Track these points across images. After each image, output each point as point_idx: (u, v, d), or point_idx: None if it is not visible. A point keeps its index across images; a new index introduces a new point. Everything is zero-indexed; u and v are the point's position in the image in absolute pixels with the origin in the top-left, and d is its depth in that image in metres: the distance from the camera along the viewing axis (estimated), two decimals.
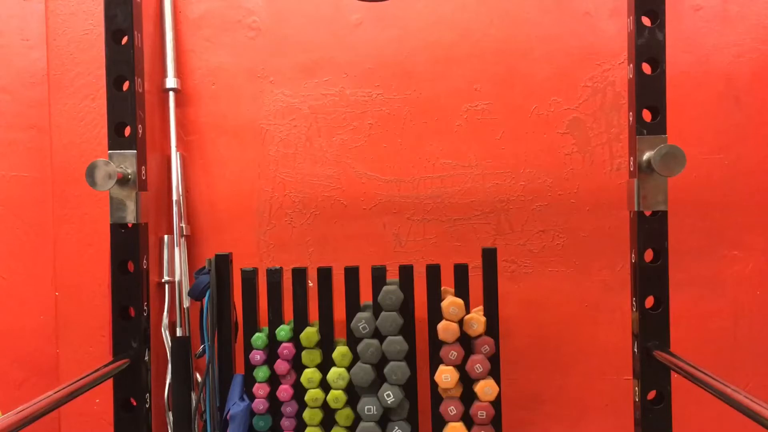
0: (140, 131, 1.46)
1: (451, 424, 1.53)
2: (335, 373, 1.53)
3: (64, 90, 1.85)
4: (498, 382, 1.53)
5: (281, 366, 1.54)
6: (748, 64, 1.81)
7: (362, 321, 1.52)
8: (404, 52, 1.85)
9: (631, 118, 1.45)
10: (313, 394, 1.53)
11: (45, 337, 1.88)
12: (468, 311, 1.55)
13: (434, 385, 1.55)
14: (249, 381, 1.57)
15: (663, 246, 1.42)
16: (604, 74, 1.82)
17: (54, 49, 1.85)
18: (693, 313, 1.80)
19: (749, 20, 1.81)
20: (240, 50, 1.86)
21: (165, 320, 1.81)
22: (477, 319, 1.52)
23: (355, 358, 1.53)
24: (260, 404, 1.55)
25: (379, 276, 1.56)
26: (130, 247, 1.45)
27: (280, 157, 1.87)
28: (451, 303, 1.52)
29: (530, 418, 1.84)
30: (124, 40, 1.44)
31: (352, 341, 1.54)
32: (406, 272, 1.57)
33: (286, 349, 1.54)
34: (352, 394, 1.54)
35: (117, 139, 1.44)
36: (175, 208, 1.83)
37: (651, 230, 1.42)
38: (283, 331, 1.55)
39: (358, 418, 1.53)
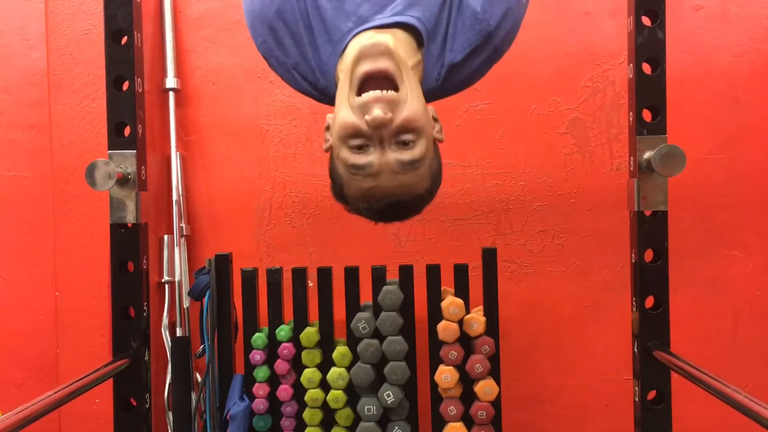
0: (140, 131, 1.45)
1: (451, 424, 1.53)
2: (335, 373, 1.53)
3: (64, 90, 1.85)
4: (498, 382, 1.53)
5: (281, 366, 1.54)
6: (748, 63, 1.81)
7: (362, 321, 1.52)
8: None
9: (631, 118, 1.45)
10: (313, 394, 1.53)
11: (45, 337, 1.87)
12: (468, 311, 1.55)
13: (434, 385, 1.55)
14: (249, 381, 1.56)
15: (663, 246, 1.42)
16: (604, 74, 1.82)
17: (54, 49, 1.85)
18: (693, 313, 1.80)
19: (749, 20, 1.81)
20: (240, 50, 1.86)
21: (165, 320, 1.81)
22: (477, 319, 1.52)
23: (355, 358, 1.53)
24: (260, 404, 1.55)
25: (379, 276, 1.56)
26: (130, 247, 1.45)
27: (280, 157, 1.87)
28: (451, 303, 1.52)
29: (530, 418, 1.84)
30: (124, 40, 1.44)
31: (352, 341, 1.54)
32: (406, 272, 1.57)
33: (286, 349, 1.54)
34: (352, 394, 1.54)
35: (117, 139, 1.44)
36: (175, 208, 1.82)
37: (651, 230, 1.42)
38: (283, 331, 1.55)
39: (358, 418, 1.53)
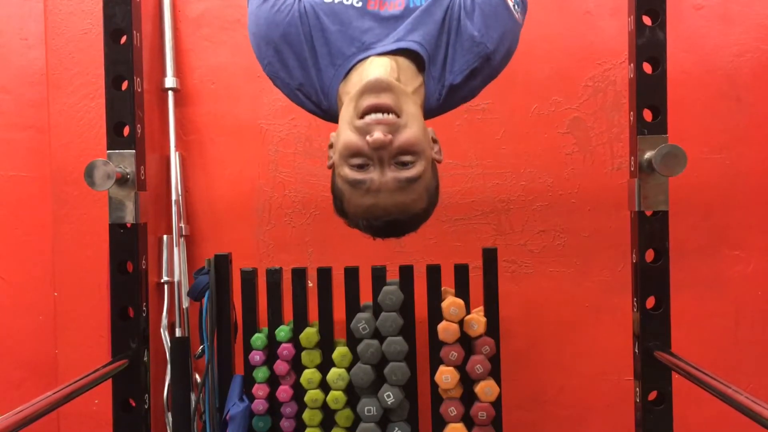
0: (139, 131, 1.45)
1: (451, 425, 1.52)
2: (335, 374, 1.52)
3: (63, 89, 1.84)
4: (498, 383, 1.52)
5: (281, 367, 1.54)
6: (749, 63, 1.80)
7: (362, 321, 1.52)
8: None
9: (631, 118, 1.45)
10: (313, 395, 1.53)
11: (44, 338, 1.87)
12: (468, 312, 1.54)
13: (434, 385, 1.54)
14: (248, 382, 1.56)
15: (664, 246, 1.42)
16: (605, 73, 1.82)
17: (53, 49, 1.84)
18: (694, 314, 1.79)
19: (750, 19, 1.80)
20: (239, 50, 1.85)
21: (164, 321, 1.80)
22: (477, 320, 1.52)
23: (355, 358, 1.52)
24: (260, 405, 1.54)
25: (379, 276, 1.55)
26: (129, 248, 1.44)
27: (279, 157, 1.86)
28: (451, 303, 1.52)
29: (531, 418, 1.84)
30: (123, 39, 1.43)
31: (352, 342, 1.53)
32: (406, 272, 1.56)
33: (286, 349, 1.54)
34: (352, 394, 1.53)
35: (116, 139, 1.44)
36: (174, 208, 1.82)
37: (652, 230, 1.42)
38: (283, 331, 1.55)
39: (358, 419, 1.52)
